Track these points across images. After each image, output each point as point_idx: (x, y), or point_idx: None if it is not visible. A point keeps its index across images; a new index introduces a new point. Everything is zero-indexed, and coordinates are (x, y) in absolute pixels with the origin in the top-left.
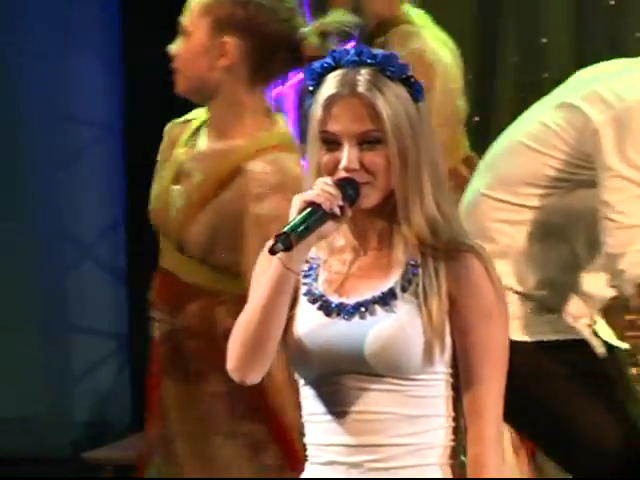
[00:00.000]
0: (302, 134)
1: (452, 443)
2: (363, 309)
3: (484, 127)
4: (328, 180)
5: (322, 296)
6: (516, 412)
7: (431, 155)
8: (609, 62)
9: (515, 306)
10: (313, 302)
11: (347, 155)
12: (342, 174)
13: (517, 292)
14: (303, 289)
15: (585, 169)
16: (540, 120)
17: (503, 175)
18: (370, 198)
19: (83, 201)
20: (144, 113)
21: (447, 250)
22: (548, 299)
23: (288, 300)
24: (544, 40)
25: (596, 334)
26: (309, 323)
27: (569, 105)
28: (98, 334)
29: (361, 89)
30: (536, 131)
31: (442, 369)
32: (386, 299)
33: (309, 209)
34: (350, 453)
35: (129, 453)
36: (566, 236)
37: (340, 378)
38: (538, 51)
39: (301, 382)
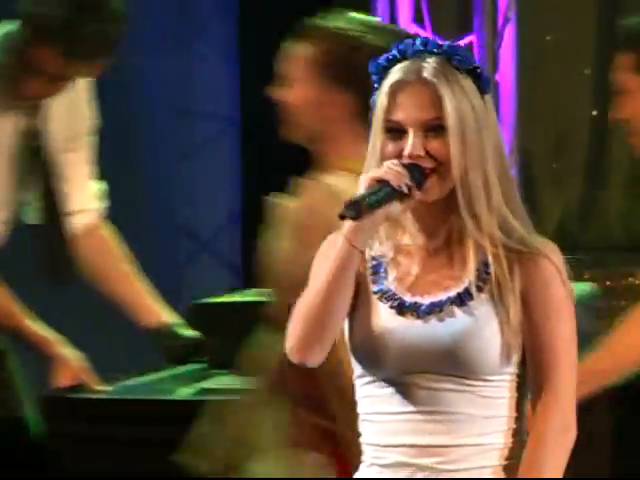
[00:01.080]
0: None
1: (511, 445)
2: (439, 309)
3: None
4: (395, 161)
5: (394, 294)
6: None
7: (498, 150)
8: None
9: None
10: (385, 300)
11: (411, 142)
12: (407, 161)
13: None
14: (373, 287)
15: None
16: None
17: None
18: (436, 189)
19: (201, 194)
20: (262, 108)
21: (519, 249)
22: None
23: (352, 280)
24: None
25: None
26: (382, 322)
27: None
28: None
29: (426, 74)
30: None
31: (512, 370)
32: (463, 299)
33: (377, 186)
34: (419, 454)
35: None
36: None
37: (413, 378)
38: None
39: (362, 381)
